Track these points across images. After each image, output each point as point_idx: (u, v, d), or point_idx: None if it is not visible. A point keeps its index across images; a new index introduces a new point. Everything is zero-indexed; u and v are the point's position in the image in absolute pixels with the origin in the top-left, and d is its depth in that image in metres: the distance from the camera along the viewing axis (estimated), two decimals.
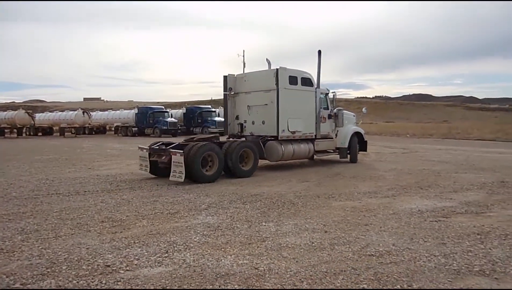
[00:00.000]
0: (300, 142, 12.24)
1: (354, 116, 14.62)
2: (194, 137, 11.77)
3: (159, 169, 10.25)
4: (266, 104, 11.82)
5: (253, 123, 12.26)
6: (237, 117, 12.63)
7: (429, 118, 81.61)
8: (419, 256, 4.41)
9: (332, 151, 13.54)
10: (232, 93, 12.62)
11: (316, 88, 12.63)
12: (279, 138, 11.62)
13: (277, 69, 11.58)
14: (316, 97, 12.62)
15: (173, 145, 10.31)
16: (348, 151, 13.63)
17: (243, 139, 11.64)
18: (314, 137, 12.70)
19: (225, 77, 12.59)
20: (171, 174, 9.51)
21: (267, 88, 11.76)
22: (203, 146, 9.82)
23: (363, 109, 16.59)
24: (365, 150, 14.68)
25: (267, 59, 12.78)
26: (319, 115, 12.74)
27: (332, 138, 13.47)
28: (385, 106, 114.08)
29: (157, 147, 10.44)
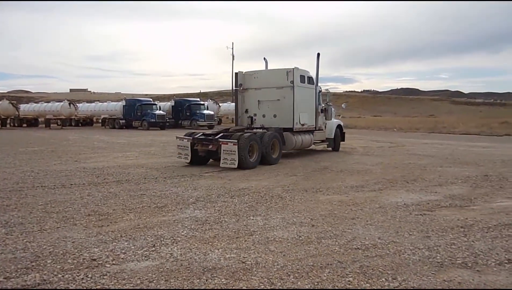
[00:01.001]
0: (306, 133, 13.68)
1: (334, 110, 15.98)
2: (229, 128, 13.04)
3: (198, 158, 11.47)
4: (278, 100, 13.00)
5: (263, 116, 13.30)
6: (246, 111, 13.57)
7: (416, 112, 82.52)
8: (404, 249, 4.48)
9: (322, 141, 15.05)
10: (241, 89, 13.59)
11: (315, 85, 14.06)
12: (294, 130, 12.88)
13: (293, 69, 12.79)
14: (316, 93, 14.07)
15: (220, 135, 11.41)
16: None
17: (263, 130, 12.30)
18: (314, 129, 14.22)
19: (236, 74, 13.58)
20: (222, 161, 10.67)
21: (279, 85, 12.92)
22: (250, 137, 11.02)
23: (342, 105, 18.68)
24: (344, 140, 16.37)
25: (264, 58, 14.40)
26: (318, 109, 14.23)
27: (323, 129, 14.96)
28: (373, 100, 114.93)
29: (203, 137, 11.55)
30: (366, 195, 7.45)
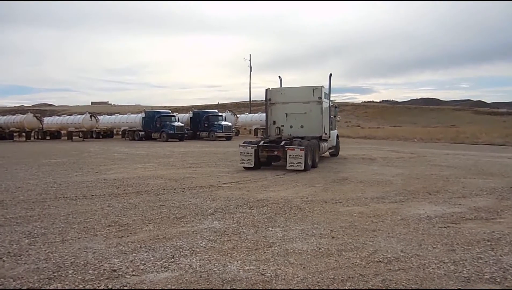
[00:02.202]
0: (325, 141, 15.57)
1: (336, 121, 18.39)
2: (280, 136, 14.61)
3: (259, 163, 13.26)
4: (305, 113, 14.83)
5: (290, 127, 14.91)
6: (274, 122, 15.17)
7: (437, 123, 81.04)
8: (428, 262, 4.35)
9: (329, 148, 16.87)
10: (270, 103, 15.31)
11: (329, 100, 16.22)
12: (322, 138, 14.91)
13: (321, 87, 14.86)
14: (329, 107, 16.18)
15: (283, 142, 13.20)
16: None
17: (304, 139, 13.78)
18: (328, 137, 16.14)
19: (266, 90, 15.33)
20: (288, 164, 12.45)
21: (306, 100, 14.86)
22: (309, 143, 13.05)
23: (338, 118, 20.33)
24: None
25: (279, 77, 16.80)
26: (332, 121, 16.63)
27: (330, 138, 16.72)
28: (392, 110, 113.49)
29: (268, 144, 13.40)
30: (387, 206, 7.30)
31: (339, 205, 7.48)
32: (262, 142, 13.59)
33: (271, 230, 5.69)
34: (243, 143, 13.45)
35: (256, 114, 47.53)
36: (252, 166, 12.97)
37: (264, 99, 15.75)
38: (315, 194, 8.60)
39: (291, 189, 9.27)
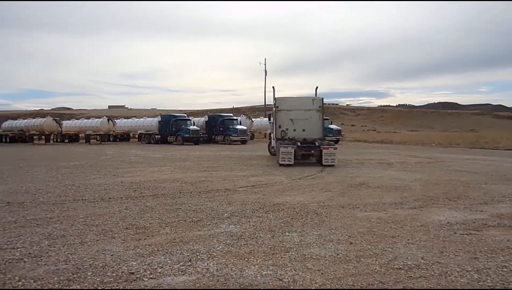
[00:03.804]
0: None
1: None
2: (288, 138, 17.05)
3: (301, 158, 15.87)
4: (307, 119, 17.30)
5: (294, 130, 17.21)
6: (279, 126, 17.37)
7: (455, 127, 79.65)
8: (450, 270, 4.24)
9: None
10: (277, 109, 17.47)
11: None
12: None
13: (321, 98, 17.63)
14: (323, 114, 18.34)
15: (320, 143, 15.82)
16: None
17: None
18: None
19: (275, 99, 17.77)
20: (324, 160, 15.14)
21: (307, 108, 17.42)
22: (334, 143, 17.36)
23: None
24: None
25: (273, 87, 19.34)
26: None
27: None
28: (409, 115, 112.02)
29: (306, 145, 15.79)
30: (406, 212, 7.17)
31: (356, 210, 7.38)
32: (298, 143, 15.85)
33: (288, 235, 5.64)
34: (283, 144, 15.57)
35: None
36: (292, 163, 15.07)
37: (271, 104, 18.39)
38: (332, 199, 8.52)
39: (308, 194, 9.20)
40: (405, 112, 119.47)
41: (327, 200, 8.35)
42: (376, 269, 4.30)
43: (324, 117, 35.30)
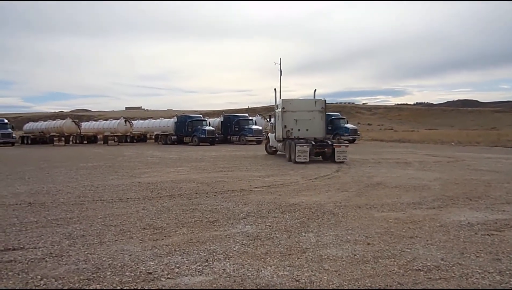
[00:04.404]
0: None
1: None
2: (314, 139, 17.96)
3: (315, 156, 17.15)
4: (310, 119, 18.29)
5: (298, 130, 18.14)
6: (285, 126, 18.27)
7: (476, 125, 77.96)
8: (471, 272, 4.15)
9: None
10: (283, 110, 18.40)
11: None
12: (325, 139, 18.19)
13: (324, 100, 18.81)
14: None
15: (332, 142, 17.73)
16: None
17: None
18: None
19: (281, 100, 18.87)
20: (336, 158, 16.35)
21: (310, 109, 18.44)
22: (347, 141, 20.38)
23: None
24: None
25: (274, 89, 20.61)
26: None
27: None
28: (427, 113, 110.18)
29: (320, 144, 17.07)
30: (424, 212, 7.05)
31: (373, 210, 7.30)
32: (312, 142, 16.96)
33: (304, 235, 5.62)
34: (300, 143, 16.57)
35: None
36: (307, 161, 16.18)
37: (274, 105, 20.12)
38: (349, 199, 8.44)
39: (324, 194, 9.15)
40: (423, 110, 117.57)
41: (343, 200, 8.29)
42: (394, 270, 4.25)
43: (340, 116, 37.56)
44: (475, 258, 4.61)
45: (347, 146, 17.17)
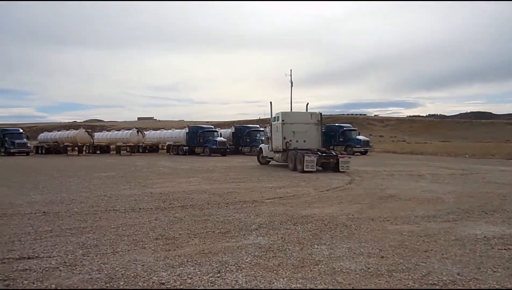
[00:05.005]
0: None
1: None
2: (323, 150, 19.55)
3: (321, 166, 17.93)
4: (306, 131, 19.83)
5: (296, 141, 19.55)
6: (284, 138, 19.54)
7: (490, 137, 76.73)
8: (488, 288, 4.07)
9: None
10: (283, 122, 19.76)
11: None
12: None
13: (320, 113, 20.35)
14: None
15: (339, 154, 19.69)
16: None
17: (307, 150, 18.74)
18: None
19: (281, 113, 20.10)
20: (340, 167, 17.40)
21: (307, 122, 20.02)
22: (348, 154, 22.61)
23: None
24: None
25: (270, 102, 21.52)
26: None
27: None
28: (440, 125, 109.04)
29: (325, 154, 18.25)
30: (439, 226, 6.95)
31: (387, 223, 7.22)
32: (319, 153, 18.15)
33: (317, 248, 5.58)
34: (307, 153, 17.61)
35: None
36: (314, 169, 17.18)
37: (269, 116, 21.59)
38: (361, 211, 8.37)
39: (336, 206, 9.08)
40: (436, 122, 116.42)
41: (356, 213, 8.21)
42: (409, 284, 4.18)
43: (352, 128, 38.66)
44: (492, 273, 4.51)
45: (349, 157, 18.56)
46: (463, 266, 4.74)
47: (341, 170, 17.29)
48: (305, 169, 17.04)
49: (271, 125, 21.32)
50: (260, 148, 23.82)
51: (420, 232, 6.49)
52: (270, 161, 22.26)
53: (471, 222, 7.21)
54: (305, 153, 17.73)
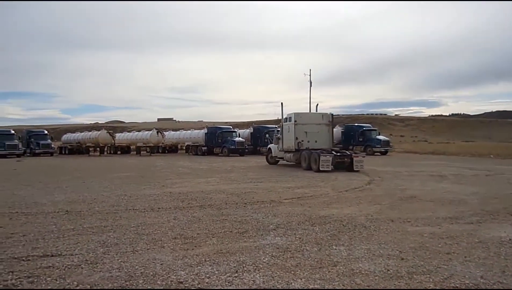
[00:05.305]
0: None
1: None
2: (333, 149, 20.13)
3: (336, 165, 18.09)
4: (318, 132, 20.34)
5: (308, 141, 20.04)
6: (296, 138, 20.11)
7: None
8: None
9: None
10: (295, 123, 20.32)
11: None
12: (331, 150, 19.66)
13: (331, 114, 21.18)
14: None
15: (351, 152, 20.22)
16: None
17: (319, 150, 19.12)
18: None
19: (293, 114, 20.62)
20: (354, 166, 17.75)
21: (318, 122, 20.55)
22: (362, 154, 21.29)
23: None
24: None
25: (281, 103, 21.84)
26: None
27: None
28: (463, 124, 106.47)
29: (339, 154, 18.66)
30: (462, 227, 6.78)
31: (407, 224, 7.09)
32: (334, 152, 18.63)
33: (335, 249, 5.53)
34: (324, 154, 17.98)
35: None
36: (330, 169, 17.57)
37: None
38: (381, 212, 8.25)
39: (355, 207, 8.98)
40: (459, 122, 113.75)
41: (375, 213, 8.10)
42: (430, 287, 4.10)
43: (372, 128, 38.49)
44: None
45: (363, 156, 19.06)
46: (487, 269, 4.61)
47: (355, 169, 17.60)
48: (320, 169, 17.42)
49: (282, 126, 21.72)
50: (269, 148, 24.16)
51: (442, 234, 6.35)
52: (279, 161, 22.71)
53: (496, 224, 7.01)
54: (320, 152, 18.14)
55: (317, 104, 23.08)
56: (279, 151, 22.03)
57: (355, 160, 18.00)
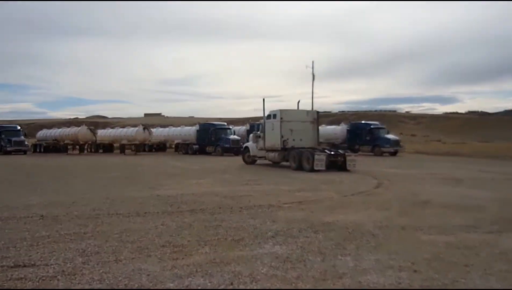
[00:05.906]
0: None
1: None
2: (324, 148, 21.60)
3: (329, 165, 18.63)
4: (303, 129, 20.92)
5: (293, 140, 20.60)
6: (282, 136, 20.60)
7: None
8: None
9: None
10: (281, 120, 20.88)
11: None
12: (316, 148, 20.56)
13: (317, 111, 22.44)
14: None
15: (345, 152, 20.78)
16: None
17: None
18: None
19: (279, 110, 21.33)
20: (348, 165, 18.73)
21: (303, 120, 21.25)
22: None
23: None
24: None
25: (263, 99, 22.91)
26: None
27: None
28: (480, 123, 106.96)
29: (333, 153, 19.49)
30: (480, 237, 6.77)
31: (420, 232, 7.08)
32: (327, 151, 19.55)
33: (341, 259, 5.50)
34: (318, 152, 18.80)
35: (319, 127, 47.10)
36: (324, 168, 18.10)
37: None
38: (390, 219, 8.23)
39: (362, 212, 8.96)
40: (476, 120, 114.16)
41: (384, 220, 8.08)
42: None
43: (380, 126, 39.34)
44: None
45: (356, 156, 20.91)
46: (510, 284, 4.60)
47: (348, 168, 18.57)
48: (315, 168, 18.04)
49: (264, 123, 22.12)
50: (246, 147, 24.37)
51: (458, 243, 6.33)
52: (256, 160, 23.25)
53: None
54: (314, 151, 19.08)
55: (299, 101, 24.00)
56: (259, 150, 22.39)
57: (348, 159, 19.01)
